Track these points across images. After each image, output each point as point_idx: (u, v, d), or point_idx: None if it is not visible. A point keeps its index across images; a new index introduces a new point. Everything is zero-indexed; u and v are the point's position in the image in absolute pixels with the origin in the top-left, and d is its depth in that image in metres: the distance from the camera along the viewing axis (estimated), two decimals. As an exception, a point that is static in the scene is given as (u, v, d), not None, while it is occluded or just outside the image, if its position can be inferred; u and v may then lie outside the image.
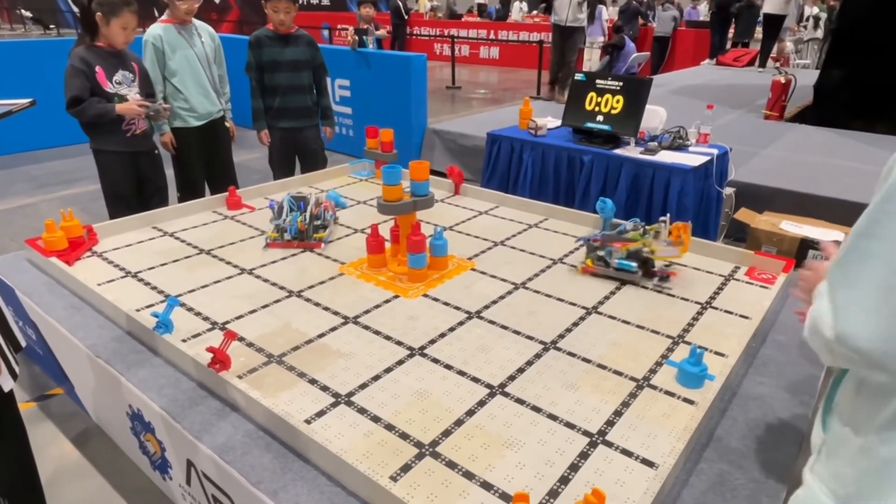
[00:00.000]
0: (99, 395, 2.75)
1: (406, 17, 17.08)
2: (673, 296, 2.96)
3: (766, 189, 5.41)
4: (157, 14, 4.89)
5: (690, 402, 2.17)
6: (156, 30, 4.45)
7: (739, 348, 2.45)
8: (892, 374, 1.09)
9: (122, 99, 4.00)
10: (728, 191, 5.21)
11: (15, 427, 1.92)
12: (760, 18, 15.80)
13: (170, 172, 4.64)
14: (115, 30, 3.89)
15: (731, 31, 16.27)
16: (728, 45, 16.19)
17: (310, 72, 4.99)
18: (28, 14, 23.55)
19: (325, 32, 17.03)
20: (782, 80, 8.69)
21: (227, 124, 4.92)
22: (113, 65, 3.98)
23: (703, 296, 2.97)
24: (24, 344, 1.96)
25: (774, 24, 12.86)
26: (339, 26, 17.38)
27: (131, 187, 4.28)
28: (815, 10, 16.63)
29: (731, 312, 2.82)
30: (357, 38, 8.72)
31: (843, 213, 4.83)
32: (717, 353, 2.47)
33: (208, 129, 4.74)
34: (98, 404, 2.85)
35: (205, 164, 4.87)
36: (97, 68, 3.91)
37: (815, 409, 3.09)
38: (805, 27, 16.26)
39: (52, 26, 23.55)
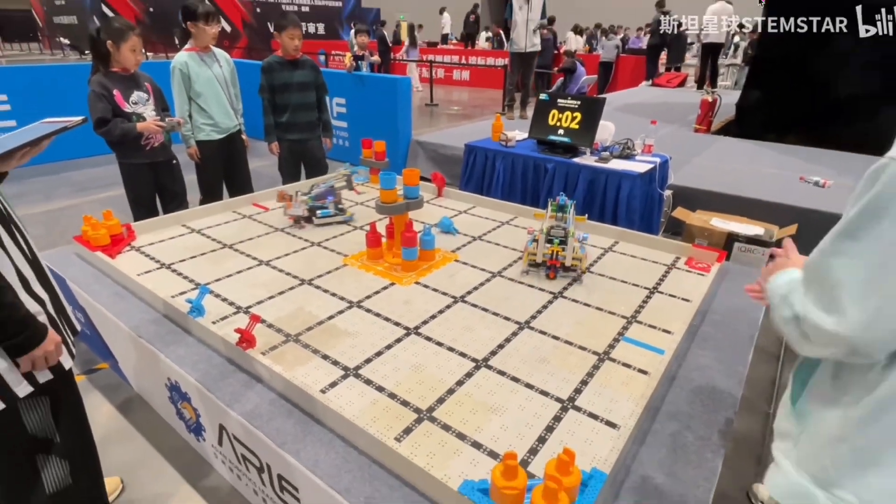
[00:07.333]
0: (140, 370, 2.73)
1: (390, 45, 17.00)
2: (626, 282, 2.99)
3: (699, 191, 5.44)
4: (176, 42, 4.80)
5: (645, 372, 2.20)
6: (182, 57, 4.40)
7: (683, 326, 2.48)
8: (868, 358, 1.07)
9: (140, 117, 3.93)
10: (667, 193, 5.24)
11: (74, 398, 1.91)
12: (690, 42, 15.92)
13: (192, 178, 4.59)
14: (125, 53, 3.82)
15: (664, 57, 16.35)
16: (662, 69, 16.29)
17: (314, 91, 4.96)
18: (66, 41, 23.08)
19: (322, 58, 16.90)
20: (710, 98, 8.76)
21: (243, 136, 4.87)
22: (128, 87, 3.91)
23: (650, 282, 3.00)
24: (79, 329, 1.94)
25: (714, 51, 12.93)
26: (333, 52, 17.28)
27: (151, 194, 4.23)
28: (737, 38, 16.75)
29: (674, 296, 2.85)
30: (353, 63, 8.72)
31: (761, 210, 4.89)
32: (664, 331, 2.50)
33: (227, 141, 4.69)
34: (139, 377, 2.83)
35: (224, 172, 4.83)
36: (115, 91, 3.83)
37: (775, 398, 3.12)
38: (727, 54, 16.38)
39: (86, 52, 23.19)
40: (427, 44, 22.54)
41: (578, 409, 1.99)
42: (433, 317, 2.61)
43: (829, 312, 1.07)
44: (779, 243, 4.22)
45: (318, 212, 3.78)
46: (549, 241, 3.02)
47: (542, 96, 5.46)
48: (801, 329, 1.13)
